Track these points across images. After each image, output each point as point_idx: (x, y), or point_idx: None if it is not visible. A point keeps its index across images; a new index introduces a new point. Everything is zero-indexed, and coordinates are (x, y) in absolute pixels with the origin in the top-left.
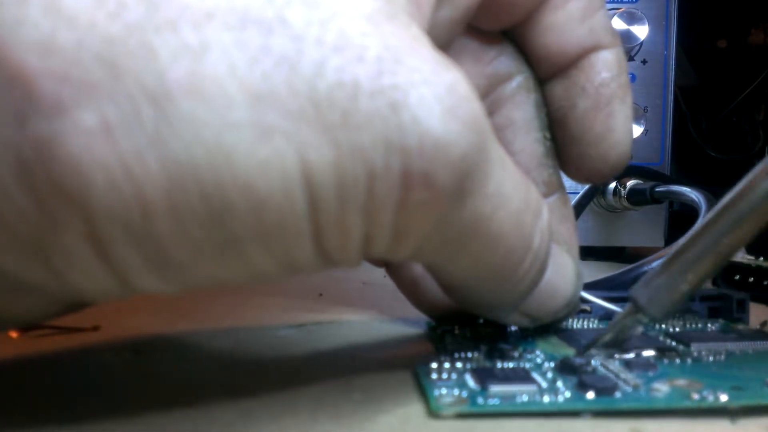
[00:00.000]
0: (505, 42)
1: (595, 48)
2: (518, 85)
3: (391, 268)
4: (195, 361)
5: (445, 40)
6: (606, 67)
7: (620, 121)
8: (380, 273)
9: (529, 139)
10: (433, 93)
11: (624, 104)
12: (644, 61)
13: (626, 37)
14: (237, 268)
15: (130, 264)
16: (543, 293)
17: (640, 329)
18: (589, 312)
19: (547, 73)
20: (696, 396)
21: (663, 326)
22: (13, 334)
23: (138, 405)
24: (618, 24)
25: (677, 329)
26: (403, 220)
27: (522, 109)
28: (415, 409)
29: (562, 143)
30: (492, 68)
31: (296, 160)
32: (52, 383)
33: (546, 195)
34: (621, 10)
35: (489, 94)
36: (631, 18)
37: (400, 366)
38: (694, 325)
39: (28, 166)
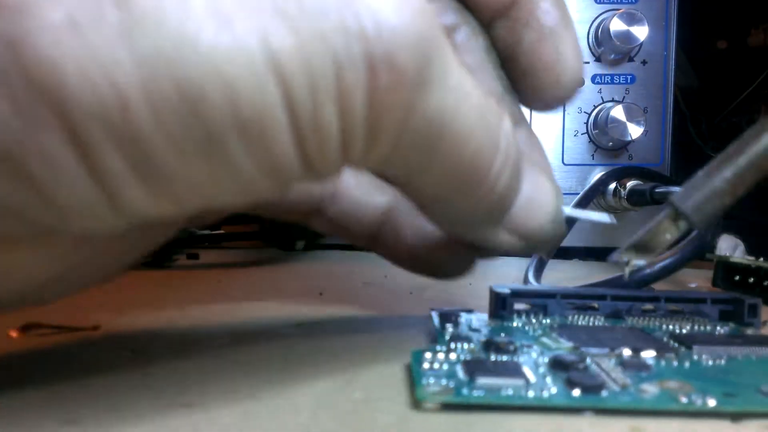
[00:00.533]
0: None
1: None
2: (465, 34)
3: (383, 247)
4: (195, 360)
5: None
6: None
7: (567, 45)
8: (380, 273)
9: (486, 79)
10: None
11: (568, 30)
12: (644, 62)
13: (626, 38)
14: (221, 172)
15: (114, 171)
16: (524, 207)
17: (673, 236)
18: (597, 309)
19: (489, 17)
20: (684, 399)
21: (670, 327)
22: (13, 334)
23: (138, 405)
24: (618, 25)
25: (684, 330)
26: (375, 107)
27: (473, 54)
28: (415, 409)
29: (517, 79)
30: (440, 22)
31: (260, 47)
32: (52, 383)
33: (515, 125)
34: (621, 10)
35: None
36: (630, 18)
37: (400, 365)
38: (702, 328)
39: (2, 69)
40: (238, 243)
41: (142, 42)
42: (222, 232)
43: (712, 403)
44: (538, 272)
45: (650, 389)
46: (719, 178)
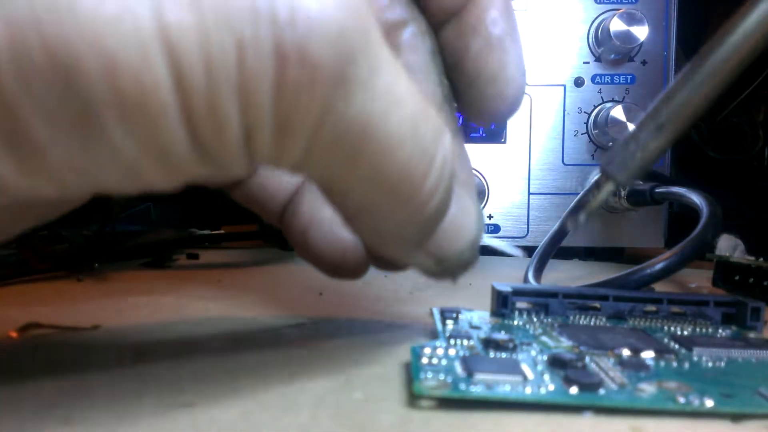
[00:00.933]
0: None
1: None
2: (412, 32)
3: (283, 222)
4: (195, 360)
5: None
6: (493, 6)
7: (513, 57)
8: (380, 273)
9: (428, 83)
10: None
11: (515, 42)
12: (644, 62)
13: (626, 38)
14: (102, 154)
15: None
16: (448, 230)
17: (605, 194)
18: (599, 309)
19: (439, 18)
20: (681, 399)
21: (671, 329)
22: (13, 334)
23: (138, 405)
24: (618, 25)
25: (686, 332)
26: (283, 104)
27: (418, 54)
28: (415, 409)
29: (460, 86)
30: (385, 16)
31: (151, 17)
32: (52, 383)
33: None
34: (621, 10)
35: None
36: (631, 18)
37: (400, 365)
38: (704, 330)
39: None
40: (238, 243)
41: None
42: (222, 232)
43: (709, 403)
44: (538, 272)
45: (648, 389)
46: (640, 128)
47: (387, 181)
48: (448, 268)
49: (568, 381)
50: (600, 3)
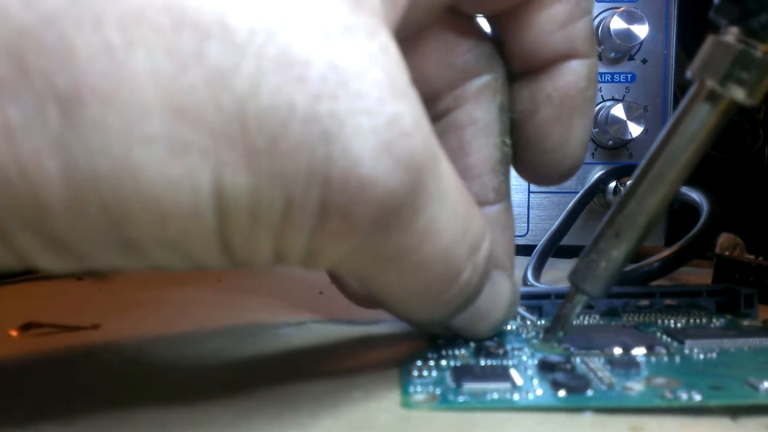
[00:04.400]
0: (481, 38)
1: (569, 56)
2: (486, 83)
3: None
4: (195, 360)
5: (423, 22)
6: (575, 79)
7: (577, 134)
8: None
9: (488, 142)
10: (371, 125)
11: (584, 118)
12: (644, 61)
13: (626, 37)
14: (139, 263)
15: (29, 247)
16: (473, 316)
17: (578, 308)
18: (593, 307)
19: (518, 71)
20: (669, 395)
21: (666, 322)
22: (13, 333)
23: (138, 404)
24: (618, 23)
25: (679, 325)
26: (317, 244)
27: (485, 109)
28: (415, 408)
29: (518, 145)
30: (463, 61)
31: (210, 181)
32: (52, 383)
33: (493, 202)
34: (621, 9)
35: (456, 87)
36: (631, 17)
37: (400, 364)
38: (698, 321)
39: None
40: None
41: (78, 156)
42: None
43: (698, 397)
44: (537, 271)
45: (635, 387)
46: (603, 239)
47: (411, 289)
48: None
49: (556, 385)
50: (600, 1)
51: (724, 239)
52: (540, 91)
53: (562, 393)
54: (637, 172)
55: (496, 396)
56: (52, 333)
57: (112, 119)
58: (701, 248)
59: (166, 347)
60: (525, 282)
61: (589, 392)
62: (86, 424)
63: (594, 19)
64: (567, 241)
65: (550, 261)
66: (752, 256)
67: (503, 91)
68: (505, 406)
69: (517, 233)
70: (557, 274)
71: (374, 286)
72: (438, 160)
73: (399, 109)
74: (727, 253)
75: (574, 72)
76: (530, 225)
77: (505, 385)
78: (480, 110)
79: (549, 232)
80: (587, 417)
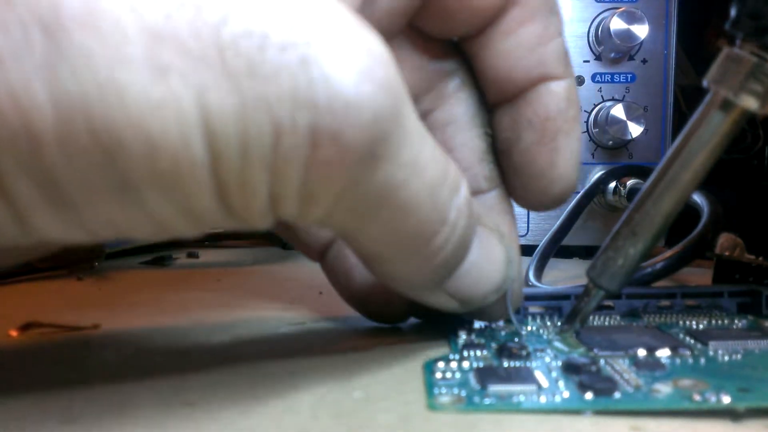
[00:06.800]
0: (448, 44)
1: (544, 79)
2: (461, 81)
3: (325, 262)
4: (195, 359)
5: (386, 29)
6: (554, 101)
7: (564, 156)
8: None
9: (472, 134)
10: (348, 52)
11: (569, 138)
12: (644, 61)
13: (626, 37)
14: (136, 214)
15: (25, 196)
16: (468, 274)
17: (595, 303)
18: (612, 308)
19: (496, 99)
20: (698, 397)
21: (687, 323)
22: (13, 333)
23: (138, 404)
24: (618, 23)
25: (701, 326)
26: (312, 179)
27: (464, 105)
28: (415, 408)
29: (507, 172)
30: (435, 64)
31: (194, 104)
32: (52, 383)
33: (487, 190)
34: (621, 9)
35: (431, 89)
36: (631, 18)
37: (400, 364)
38: (720, 322)
39: None
40: (238, 242)
41: (65, 79)
42: (222, 231)
43: (726, 399)
44: (539, 272)
45: (663, 389)
46: (619, 237)
47: (401, 236)
48: (481, 311)
49: (583, 387)
50: (600, 2)
51: (724, 239)
52: (520, 117)
53: (588, 395)
54: (654, 174)
55: (522, 398)
56: (52, 333)
57: (93, 43)
58: (703, 249)
59: (166, 347)
60: (527, 283)
61: (617, 394)
62: (86, 424)
63: (594, 20)
64: (567, 241)
65: (552, 261)
66: (752, 257)
67: (476, 85)
68: (532, 408)
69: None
70: (558, 274)
71: (366, 238)
72: (409, 101)
73: (372, 39)
74: (727, 254)
75: (551, 94)
76: (530, 225)
77: (531, 387)
78: (459, 107)
79: (550, 233)
80: (587, 417)
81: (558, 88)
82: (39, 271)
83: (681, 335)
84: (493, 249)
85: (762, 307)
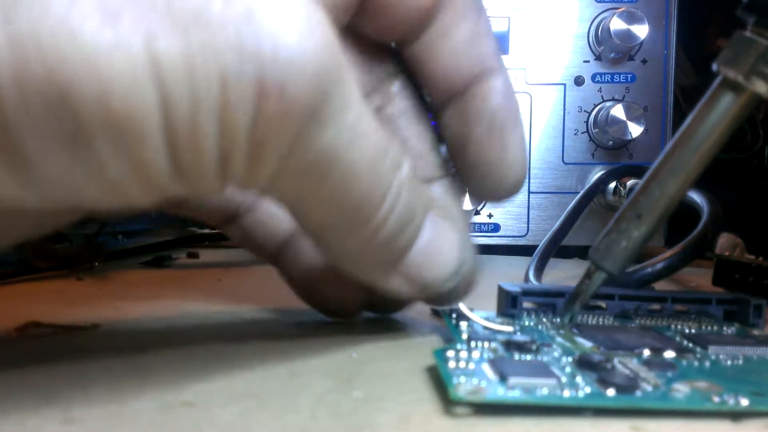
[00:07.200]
0: (388, 49)
1: (484, 74)
2: (404, 82)
3: (280, 260)
4: (194, 359)
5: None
6: (497, 94)
7: (514, 145)
8: None
9: (420, 126)
10: (291, 10)
11: (516, 128)
12: (644, 61)
13: (626, 37)
14: (89, 170)
15: None
16: (423, 255)
17: (596, 286)
18: (605, 309)
19: (442, 99)
20: (717, 399)
21: (679, 327)
22: (13, 334)
23: (138, 405)
24: (618, 24)
25: (693, 331)
26: (258, 132)
27: (412, 100)
28: (415, 408)
29: (464, 169)
30: (379, 66)
31: (143, 48)
32: (52, 383)
33: (438, 177)
34: (621, 9)
35: (378, 89)
36: (631, 17)
37: (400, 364)
38: (709, 328)
39: None
40: None
41: (19, 22)
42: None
43: (744, 402)
44: (539, 271)
45: (682, 389)
46: (623, 220)
47: (346, 204)
48: (438, 296)
49: (603, 383)
50: (600, 2)
51: (724, 239)
52: (468, 113)
53: (611, 392)
54: (660, 157)
55: (546, 392)
56: (52, 333)
57: None
58: (704, 249)
59: (166, 347)
60: (527, 282)
61: (638, 392)
62: (86, 424)
63: (594, 20)
64: (568, 241)
65: (552, 261)
66: (752, 257)
67: (415, 85)
68: (556, 403)
69: (517, 233)
70: (559, 275)
71: (310, 211)
72: (349, 69)
73: (315, 7)
74: (727, 254)
75: (493, 88)
76: (530, 225)
77: (552, 381)
78: (406, 102)
79: (550, 233)
80: (587, 417)
81: (498, 81)
82: (39, 271)
83: (678, 338)
84: (446, 233)
85: (749, 315)
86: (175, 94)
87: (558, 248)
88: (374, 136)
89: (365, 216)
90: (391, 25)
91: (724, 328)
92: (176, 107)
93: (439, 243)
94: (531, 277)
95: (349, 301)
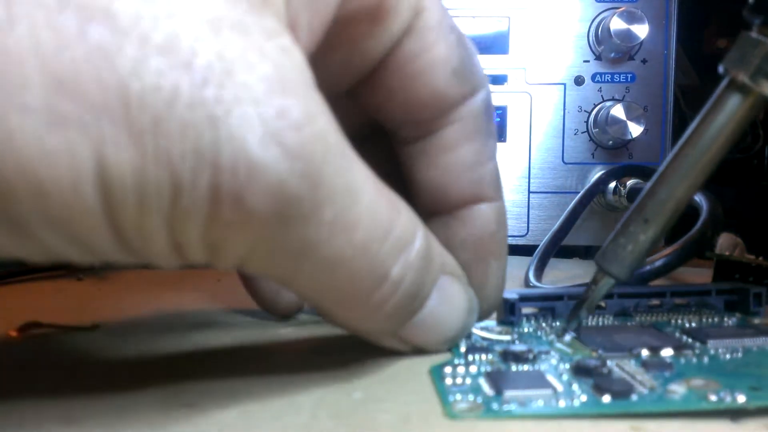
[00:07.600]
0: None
1: (477, 200)
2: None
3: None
4: (194, 360)
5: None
6: (486, 223)
7: (493, 276)
8: None
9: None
10: (258, 114)
11: (499, 260)
12: (644, 61)
13: (626, 37)
14: (31, 248)
15: None
16: (425, 323)
17: (603, 291)
18: (604, 308)
19: (429, 211)
20: (713, 397)
21: (679, 321)
22: (13, 334)
23: (138, 405)
24: (618, 23)
25: (693, 324)
26: (215, 235)
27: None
28: (415, 408)
29: None
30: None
31: (91, 157)
32: (52, 383)
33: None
34: (621, 9)
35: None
36: (631, 17)
37: (400, 365)
38: (710, 320)
39: None
40: None
41: None
42: None
43: (741, 399)
44: (539, 271)
45: (678, 389)
46: (630, 224)
47: (332, 289)
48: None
49: (599, 389)
50: (600, 1)
51: (724, 239)
52: (454, 237)
53: (606, 398)
54: (667, 160)
55: (541, 403)
56: (52, 333)
57: None
58: (703, 247)
59: (166, 347)
60: (527, 283)
61: (634, 397)
62: (86, 424)
63: (594, 19)
64: (568, 241)
65: (552, 261)
66: (752, 256)
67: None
68: (552, 414)
69: (517, 233)
70: (559, 274)
71: (295, 286)
72: (342, 155)
73: (288, 103)
74: (727, 253)
75: (484, 216)
76: (530, 225)
77: (547, 392)
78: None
79: (550, 233)
80: (587, 417)
81: (491, 210)
82: (39, 271)
83: (677, 334)
84: (455, 297)
85: (749, 304)
86: (122, 198)
87: (558, 248)
88: (368, 221)
89: (358, 298)
90: (401, 108)
91: (726, 319)
92: (122, 210)
93: (444, 310)
94: (531, 277)
95: (284, 306)
